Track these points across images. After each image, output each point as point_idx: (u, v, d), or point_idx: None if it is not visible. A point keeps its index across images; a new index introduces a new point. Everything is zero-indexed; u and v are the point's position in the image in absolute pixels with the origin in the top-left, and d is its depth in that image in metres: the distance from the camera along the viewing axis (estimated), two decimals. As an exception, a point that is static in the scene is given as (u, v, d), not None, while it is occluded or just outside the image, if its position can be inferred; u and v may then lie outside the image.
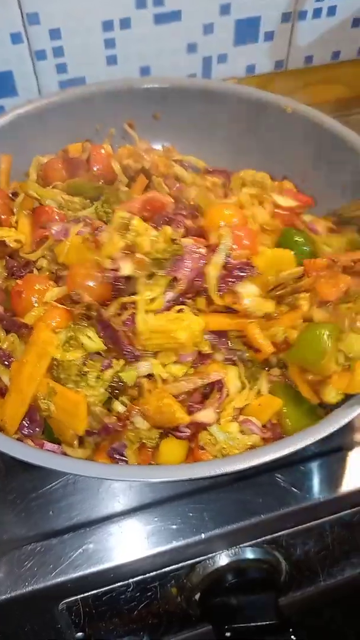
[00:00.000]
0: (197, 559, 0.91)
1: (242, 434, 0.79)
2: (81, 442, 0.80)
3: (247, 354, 0.84)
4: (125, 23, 1.33)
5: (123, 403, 0.80)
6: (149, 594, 0.92)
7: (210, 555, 0.91)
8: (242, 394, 0.83)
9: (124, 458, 0.78)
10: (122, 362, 0.79)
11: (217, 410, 0.80)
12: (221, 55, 1.46)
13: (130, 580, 0.89)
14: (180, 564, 0.90)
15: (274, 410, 0.82)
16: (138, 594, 0.91)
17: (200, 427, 0.80)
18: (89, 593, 0.88)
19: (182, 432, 0.79)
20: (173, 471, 0.72)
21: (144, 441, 0.79)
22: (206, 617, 0.94)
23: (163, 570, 0.90)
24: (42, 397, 0.78)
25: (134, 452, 0.79)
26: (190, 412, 0.79)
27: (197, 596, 0.93)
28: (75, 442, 0.79)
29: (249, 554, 0.93)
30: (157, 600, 0.93)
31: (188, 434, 0.80)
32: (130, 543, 0.86)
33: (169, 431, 0.80)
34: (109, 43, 1.35)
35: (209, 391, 0.82)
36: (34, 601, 0.84)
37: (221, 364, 0.83)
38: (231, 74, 1.50)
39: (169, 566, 0.90)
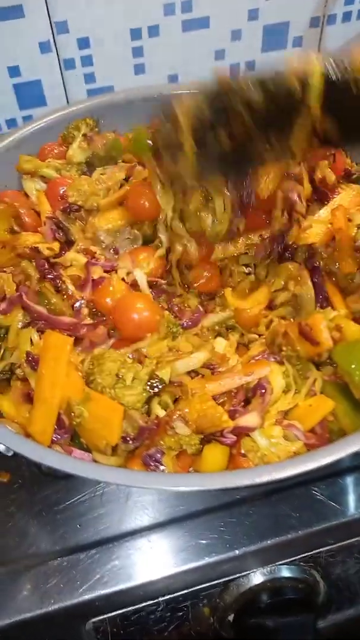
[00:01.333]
0: (230, 577, 0.86)
1: (286, 440, 0.75)
2: (114, 449, 0.76)
3: (298, 349, 0.80)
4: (153, 31, 1.32)
5: (164, 405, 0.77)
6: (180, 614, 0.88)
7: (244, 573, 0.86)
8: (287, 396, 0.78)
9: (161, 465, 0.73)
10: (155, 360, 0.76)
11: (261, 414, 0.75)
12: (249, 62, 1.45)
13: (160, 599, 0.84)
14: (212, 582, 0.86)
15: (325, 412, 0.77)
16: (168, 613, 0.87)
17: (244, 432, 0.75)
18: (117, 612, 0.83)
19: (226, 437, 0.74)
20: (214, 479, 0.68)
21: (184, 447, 0.74)
22: (240, 639, 0.89)
23: (194, 588, 0.85)
24: (75, 403, 0.75)
25: (172, 459, 0.74)
26: (232, 417, 0.75)
27: (230, 617, 0.89)
28: (108, 450, 0.75)
29: (285, 573, 0.88)
30: (188, 621, 0.89)
31: (234, 439, 0.75)
32: (159, 559, 0.82)
33: (211, 437, 0.76)
34: (137, 51, 1.35)
35: (252, 395, 0.78)
36: (59, 619, 0.80)
37: (266, 362, 0.79)
38: (259, 81, 1.47)
39: (200, 584, 0.85)
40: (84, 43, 1.29)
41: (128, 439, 0.73)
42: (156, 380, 0.75)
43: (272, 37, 1.41)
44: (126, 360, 0.77)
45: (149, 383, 0.75)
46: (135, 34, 1.31)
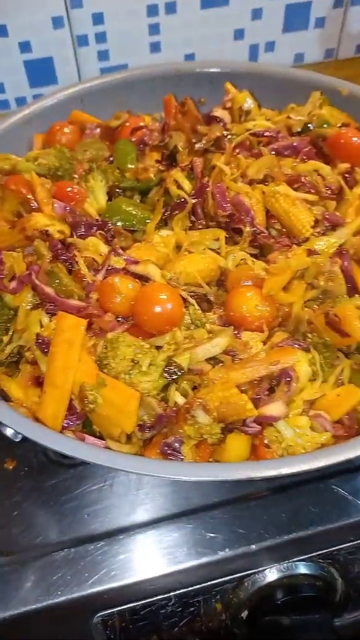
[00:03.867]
0: (245, 573, 0.82)
1: (312, 431, 0.71)
2: (128, 437, 0.72)
3: (326, 338, 0.76)
4: (170, 7, 1.28)
5: (183, 392, 0.73)
6: (192, 609, 0.84)
7: (259, 569, 0.83)
8: (313, 385, 0.74)
9: (179, 455, 0.70)
10: (173, 346, 0.72)
11: (287, 403, 0.71)
12: (269, 42, 1.40)
13: (172, 594, 0.81)
14: (226, 578, 0.82)
15: (354, 403, 0.73)
16: (179, 609, 0.83)
17: (268, 421, 0.71)
18: (127, 606, 0.80)
19: (250, 427, 0.70)
20: (239, 469, 0.64)
21: (205, 437, 0.70)
22: (254, 637, 0.85)
23: (207, 583, 0.82)
24: (89, 388, 0.71)
25: (191, 449, 0.70)
26: (256, 405, 0.71)
27: (244, 614, 0.85)
28: (123, 438, 0.71)
29: (303, 569, 0.84)
30: (200, 617, 0.85)
31: (258, 429, 0.71)
32: (172, 552, 0.78)
33: (233, 426, 0.72)
34: (154, 29, 1.31)
35: (277, 383, 0.73)
36: (66, 612, 0.77)
37: (292, 349, 0.75)
38: (279, 63, 1.43)
39: (214, 579, 0.82)
40: (98, 18, 1.25)
41: (145, 426, 0.70)
42: (174, 366, 0.71)
43: (293, 17, 1.37)
44: (142, 345, 0.73)
45: (166, 369, 0.71)
46: (152, 10, 1.27)
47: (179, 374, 0.71)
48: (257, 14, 1.34)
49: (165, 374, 0.71)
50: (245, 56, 1.40)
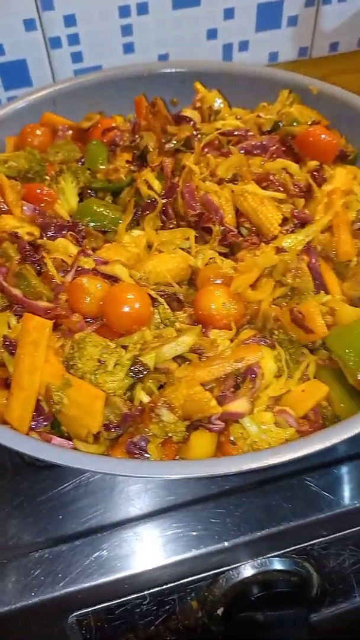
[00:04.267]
0: (220, 570, 0.83)
1: (277, 427, 0.71)
2: (96, 437, 0.73)
3: (291, 335, 0.77)
4: (142, 8, 1.28)
5: (149, 391, 0.74)
6: (167, 607, 0.84)
7: (234, 565, 0.83)
8: (279, 381, 0.75)
9: (145, 453, 0.70)
10: (139, 345, 0.72)
11: (251, 400, 0.71)
12: (242, 42, 1.41)
13: (146, 592, 0.81)
14: (201, 575, 0.82)
15: (319, 398, 0.74)
16: (155, 607, 0.84)
17: (233, 418, 0.72)
18: (102, 605, 0.80)
19: (214, 424, 0.71)
20: (194, 467, 0.64)
21: (169, 435, 0.71)
22: (230, 634, 0.86)
23: (182, 581, 0.82)
24: (54, 389, 0.71)
25: (157, 447, 0.71)
26: (221, 403, 0.71)
27: (220, 611, 0.85)
28: (90, 438, 0.72)
29: (277, 565, 0.85)
30: (175, 615, 0.86)
31: (222, 426, 0.71)
32: (146, 551, 0.78)
33: (198, 424, 0.72)
34: (126, 30, 1.31)
35: (242, 380, 0.74)
36: (41, 613, 0.77)
37: (257, 346, 0.76)
38: (253, 62, 1.44)
39: (188, 577, 0.82)
40: (70, 20, 1.25)
41: (110, 426, 0.70)
42: (140, 365, 0.72)
43: (265, 16, 1.38)
44: (109, 344, 0.73)
45: (132, 369, 0.72)
46: (124, 11, 1.27)
47: (145, 373, 0.72)
48: (229, 13, 1.34)
49: (131, 373, 0.72)
50: (219, 56, 1.41)
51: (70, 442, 0.72)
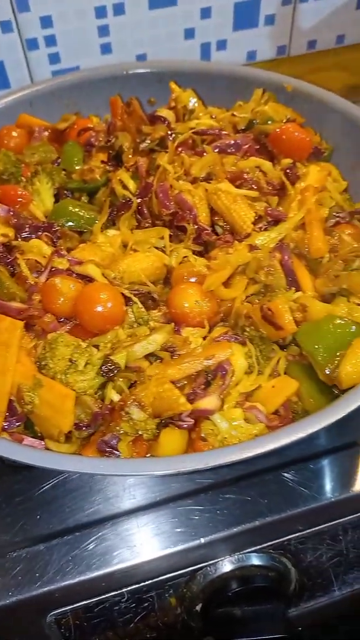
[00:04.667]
0: (198, 566, 0.83)
1: (247, 422, 0.72)
2: (68, 436, 0.73)
3: (262, 331, 0.77)
4: (119, 8, 1.28)
5: (119, 389, 0.74)
6: (146, 604, 0.85)
7: (211, 562, 0.83)
8: (249, 377, 0.75)
9: (116, 451, 0.70)
10: (110, 344, 0.73)
11: (221, 396, 0.72)
12: (220, 41, 1.41)
13: (124, 590, 0.82)
14: (178, 572, 0.83)
15: (290, 393, 0.74)
16: (133, 604, 0.84)
17: (203, 415, 0.72)
18: (80, 604, 0.80)
19: (184, 421, 0.72)
20: (159, 464, 0.65)
21: (140, 433, 0.71)
22: (209, 630, 0.86)
23: (160, 578, 0.82)
24: (25, 389, 0.72)
25: (128, 445, 0.71)
26: (191, 400, 0.72)
27: (198, 607, 0.86)
28: (61, 437, 0.72)
29: (255, 561, 0.85)
30: (154, 612, 0.86)
31: (191, 423, 0.72)
32: (123, 549, 0.79)
33: (169, 421, 0.73)
34: (103, 30, 1.31)
35: (213, 377, 0.75)
36: (19, 612, 0.77)
37: (227, 343, 0.76)
38: (231, 61, 1.44)
39: (166, 574, 0.82)
40: (46, 22, 1.26)
41: (81, 425, 0.70)
42: (111, 364, 0.72)
43: (243, 15, 1.38)
44: (80, 344, 0.73)
45: (102, 368, 0.72)
46: (100, 12, 1.28)
47: (115, 372, 0.72)
48: (205, 13, 1.35)
49: (102, 373, 0.72)
50: (197, 55, 1.41)
51: (42, 442, 0.72)
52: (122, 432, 0.69)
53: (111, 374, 0.72)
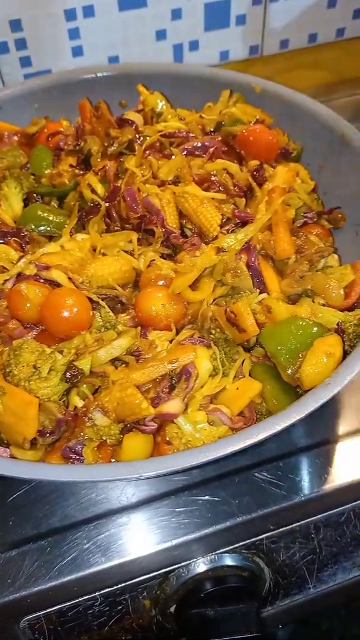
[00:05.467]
0: (170, 568, 0.84)
1: (211, 425, 0.72)
2: (33, 443, 0.73)
3: (227, 334, 0.78)
4: (88, 11, 1.28)
5: (83, 395, 0.74)
6: (120, 607, 0.85)
7: (183, 563, 0.84)
8: (213, 380, 0.76)
9: (80, 457, 0.70)
10: (74, 350, 0.73)
11: (185, 400, 0.72)
12: (192, 42, 1.41)
13: (97, 594, 0.82)
14: (151, 574, 0.83)
15: (253, 394, 0.75)
16: (107, 608, 0.84)
17: (167, 419, 0.73)
18: (53, 608, 0.81)
19: (147, 425, 0.72)
20: (109, 470, 0.64)
21: (104, 438, 0.71)
22: (183, 631, 0.87)
23: (133, 581, 0.83)
24: None
25: (92, 451, 0.71)
26: (156, 404, 0.72)
27: (172, 608, 0.86)
28: (26, 444, 0.72)
29: (228, 561, 0.86)
30: (129, 614, 0.86)
31: (154, 427, 0.72)
32: (94, 553, 0.79)
33: (133, 425, 0.73)
34: (74, 33, 1.31)
35: (178, 380, 0.75)
36: (-9, 619, 0.77)
37: (191, 346, 0.76)
38: (204, 62, 1.44)
39: (139, 576, 0.83)
40: (16, 25, 1.25)
41: (45, 432, 0.70)
42: (74, 370, 0.72)
43: (213, 16, 1.38)
44: (44, 350, 0.73)
45: (66, 374, 0.72)
46: (70, 14, 1.27)
47: (79, 377, 0.72)
48: (176, 14, 1.35)
49: (66, 379, 0.72)
50: (170, 56, 1.41)
51: (7, 450, 0.72)
52: (86, 437, 0.69)
53: (75, 380, 0.72)
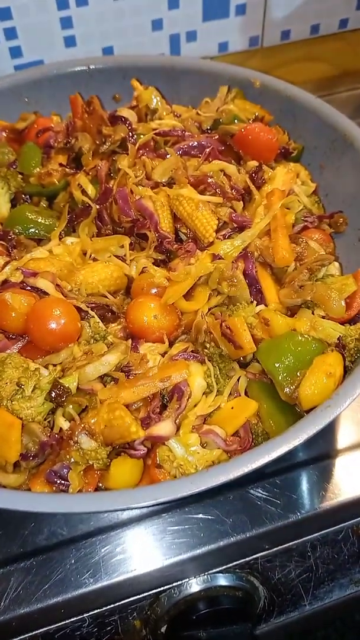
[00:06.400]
0: (161, 588, 0.81)
1: (204, 447, 0.68)
2: (16, 465, 0.69)
3: (222, 349, 0.74)
4: (81, -1, 1.22)
5: (69, 416, 0.70)
6: (109, 628, 0.82)
7: (175, 583, 0.81)
8: (207, 398, 0.72)
9: (65, 482, 0.66)
10: (59, 367, 0.69)
11: (177, 421, 0.68)
12: (190, 32, 1.36)
13: (85, 615, 0.79)
14: (142, 595, 0.80)
15: (249, 414, 0.71)
16: (95, 629, 0.81)
17: (157, 441, 0.69)
18: (39, 631, 0.78)
19: (137, 449, 0.68)
20: (88, 502, 0.61)
21: (91, 462, 0.67)
22: (174, 652, 0.84)
23: (122, 602, 0.80)
24: None
25: (78, 475, 0.67)
26: (146, 425, 0.68)
27: (163, 629, 0.83)
28: (9, 467, 0.68)
29: (221, 581, 0.83)
30: (119, 635, 0.83)
31: (144, 452, 0.69)
32: (82, 573, 0.76)
33: (121, 449, 0.69)
34: (66, 22, 1.25)
35: (169, 399, 0.71)
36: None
37: (184, 362, 0.72)
38: (202, 53, 1.39)
39: (129, 597, 0.80)
40: (5, 13, 1.20)
41: (29, 455, 0.66)
42: (60, 390, 0.68)
43: (212, 5, 1.32)
44: (29, 366, 0.69)
45: (51, 393, 0.68)
46: (62, 3, 1.22)
47: (65, 397, 0.68)
48: (173, 3, 1.29)
49: (51, 398, 0.68)
50: (166, 47, 1.36)
51: (-11, 472, 0.68)
52: (72, 461, 0.65)
53: (60, 400, 0.68)
